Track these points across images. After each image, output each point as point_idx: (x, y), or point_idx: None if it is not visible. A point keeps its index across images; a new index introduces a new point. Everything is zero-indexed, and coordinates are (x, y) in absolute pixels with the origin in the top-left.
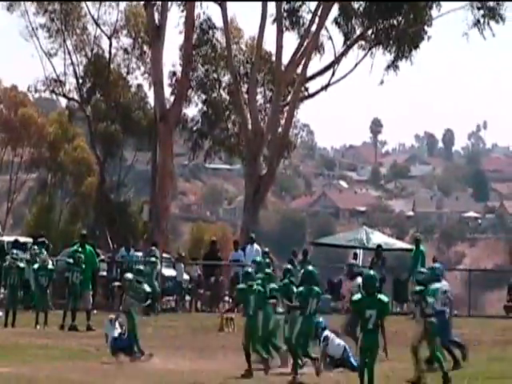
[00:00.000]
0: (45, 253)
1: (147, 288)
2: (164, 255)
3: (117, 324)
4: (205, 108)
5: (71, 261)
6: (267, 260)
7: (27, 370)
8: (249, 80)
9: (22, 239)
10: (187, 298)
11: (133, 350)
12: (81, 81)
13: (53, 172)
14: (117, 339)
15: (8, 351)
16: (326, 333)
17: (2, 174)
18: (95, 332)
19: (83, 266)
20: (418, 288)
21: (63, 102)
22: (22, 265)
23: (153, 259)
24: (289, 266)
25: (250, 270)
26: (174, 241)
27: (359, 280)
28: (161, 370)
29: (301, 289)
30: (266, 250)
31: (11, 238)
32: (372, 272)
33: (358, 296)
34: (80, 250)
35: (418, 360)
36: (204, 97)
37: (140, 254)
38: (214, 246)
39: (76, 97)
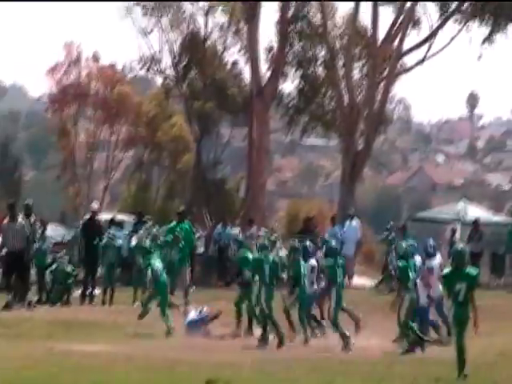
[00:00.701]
0: (141, 231)
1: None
2: (260, 232)
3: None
4: (301, 84)
5: (169, 238)
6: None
7: (126, 348)
8: (345, 55)
9: (119, 217)
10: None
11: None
12: (176, 58)
13: (149, 150)
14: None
15: (106, 329)
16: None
17: (99, 152)
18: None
19: (181, 244)
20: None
21: (159, 80)
22: (119, 243)
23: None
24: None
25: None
26: (271, 217)
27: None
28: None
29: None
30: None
31: (108, 216)
32: (461, 246)
33: (447, 270)
34: (177, 227)
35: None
36: (300, 72)
37: (237, 230)
38: (309, 222)
39: (172, 74)
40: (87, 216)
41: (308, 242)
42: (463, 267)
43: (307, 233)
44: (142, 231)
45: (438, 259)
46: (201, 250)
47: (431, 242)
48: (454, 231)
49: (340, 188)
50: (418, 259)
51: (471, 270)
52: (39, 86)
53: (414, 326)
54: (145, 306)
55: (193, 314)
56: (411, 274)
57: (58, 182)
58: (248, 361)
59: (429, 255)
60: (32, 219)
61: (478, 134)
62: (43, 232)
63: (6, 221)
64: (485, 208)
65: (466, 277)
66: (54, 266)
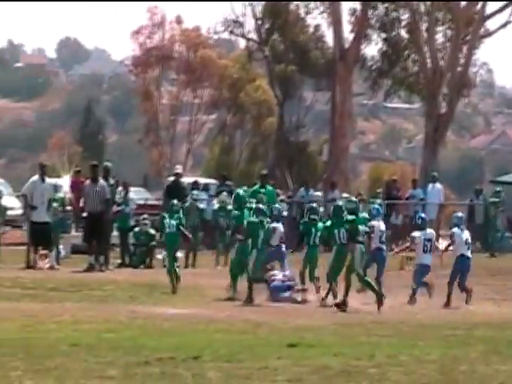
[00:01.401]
0: (224, 193)
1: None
2: (344, 195)
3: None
4: (384, 47)
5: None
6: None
7: (208, 311)
8: (428, 19)
9: (202, 180)
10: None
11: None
12: (259, 22)
13: (232, 113)
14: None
15: (188, 292)
16: None
17: (181, 115)
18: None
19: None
20: (349, 217)
21: (242, 42)
22: (202, 206)
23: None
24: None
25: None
26: (353, 180)
27: None
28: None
29: None
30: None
31: (191, 180)
32: None
33: None
34: (261, 190)
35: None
36: (384, 35)
37: (319, 193)
38: (392, 185)
39: (255, 38)
40: (171, 179)
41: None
42: None
43: (390, 196)
44: (224, 194)
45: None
46: (284, 213)
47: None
48: None
49: (423, 151)
50: None
51: None
52: (122, 49)
53: None
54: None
55: (278, 278)
56: None
57: (141, 146)
58: (329, 325)
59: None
60: (111, 181)
61: None
62: (126, 195)
63: (87, 182)
64: None
65: None
66: (136, 229)
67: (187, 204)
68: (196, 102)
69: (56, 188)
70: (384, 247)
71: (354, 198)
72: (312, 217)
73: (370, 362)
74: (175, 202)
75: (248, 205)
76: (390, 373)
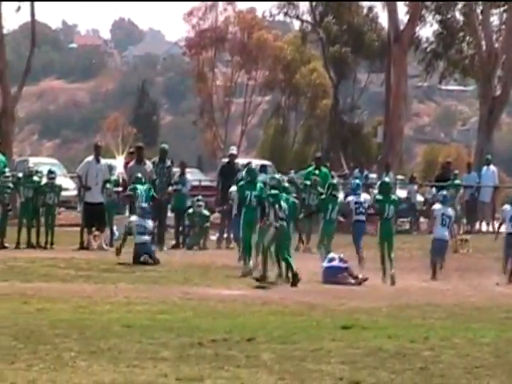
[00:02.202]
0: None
1: None
2: (398, 177)
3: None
4: (439, 29)
5: (308, 182)
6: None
7: (262, 293)
8: (483, 1)
9: (256, 161)
10: (421, 219)
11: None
12: (314, 3)
13: (287, 94)
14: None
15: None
16: None
17: (236, 97)
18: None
19: (319, 189)
20: (273, 192)
21: (296, 24)
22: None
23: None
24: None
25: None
26: (408, 162)
27: None
28: (395, 289)
29: None
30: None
31: (244, 161)
32: None
33: None
34: (315, 172)
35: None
36: (439, 17)
37: (374, 175)
38: (447, 167)
39: (309, 19)
40: (225, 160)
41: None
42: None
43: (445, 178)
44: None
45: None
46: (339, 194)
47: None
48: None
49: (477, 134)
50: None
51: None
52: (176, 31)
53: None
54: None
55: (334, 261)
56: None
57: (195, 127)
58: (384, 307)
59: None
60: (168, 163)
61: None
62: (183, 175)
63: (132, 163)
64: None
65: None
66: (190, 211)
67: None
68: (250, 83)
69: (111, 169)
70: (362, 218)
71: (276, 176)
72: (333, 193)
73: (424, 344)
74: None
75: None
76: (443, 355)
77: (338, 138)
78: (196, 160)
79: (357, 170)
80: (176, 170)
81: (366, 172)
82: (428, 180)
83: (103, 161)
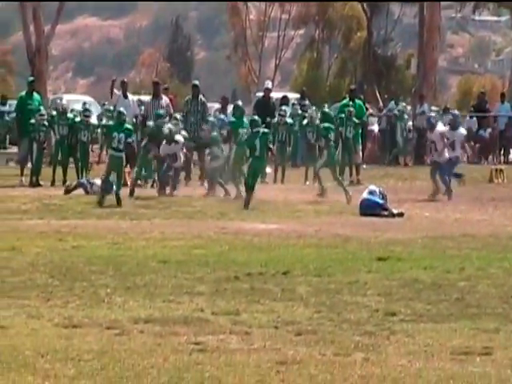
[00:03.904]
0: (312, 109)
1: None
2: (432, 108)
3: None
4: None
5: (342, 115)
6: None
7: (297, 226)
8: None
9: (291, 95)
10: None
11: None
12: None
13: (320, 28)
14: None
15: (277, 208)
16: None
17: (269, 31)
18: (364, 186)
19: (355, 120)
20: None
21: None
22: (289, 121)
23: None
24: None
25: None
26: (442, 93)
27: None
28: (430, 220)
29: None
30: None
31: (279, 95)
32: None
33: None
34: (350, 104)
35: None
36: None
37: (408, 107)
38: (482, 98)
39: None
40: (260, 94)
41: None
42: None
43: (480, 108)
44: (313, 108)
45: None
46: (374, 127)
47: None
48: None
49: (511, 64)
50: None
51: None
52: None
53: None
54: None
55: (374, 195)
56: None
57: (229, 62)
58: (419, 238)
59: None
60: (202, 99)
61: None
62: (223, 110)
63: (148, 99)
64: None
65: None
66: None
67: (275, 119)
68: (284, 17)
69: (141, 104)
70: None
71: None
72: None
73: (459, 275)
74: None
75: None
76: (479, 285)
77: (372, 70)
78: (230, 95)
79: (392, 102)
80: (214, 105)
81: (400, 104)
82: (465, 110)
83: (131, 96)
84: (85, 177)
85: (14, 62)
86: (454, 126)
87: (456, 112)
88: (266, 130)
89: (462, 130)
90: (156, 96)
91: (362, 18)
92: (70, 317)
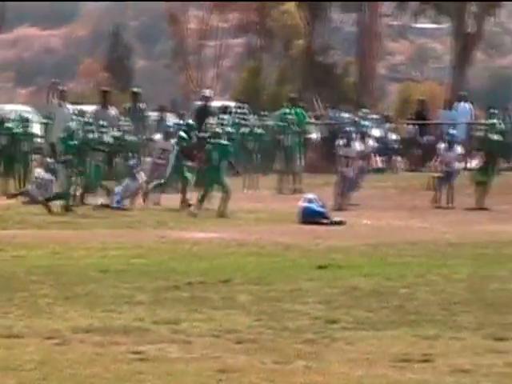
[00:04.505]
0: (252, 117)
1: None
2: (372, 116)
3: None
4: None
5: (282, 123)
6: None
7: (237, 234)
8: None
9: (231, 104)
10: (396, 158)
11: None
12: None
13: (261, 36)
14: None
15: (214, 216)
16: None
17: (209, 39)
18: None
19: (294, 129)
20: None
21: None
22: (228, 129)
23: None
24: None
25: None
26: (382, 101)
27: None
28: (370, 227)
29: None
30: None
31: (219, 103)
32: None
33: None
34: (290, 112)
35: None
36: None
37: (347, 114)
38: (422, 105)
39: None
40: (199, 102)
41: None
42: None
43: (420, 115)
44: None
45: None
46: (313, 135)
47: None
48: None
49: (451, 71)
50: None
51: None
52: None
53: None
54: None
55: (312, 203)
56: None
57: (169, 70)
58: (359, 246)
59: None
60: (141, 106)
61: None
62: (162, 119)
63: (97, 107)
64: None
65: None
66: None
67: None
68: (224, 25)
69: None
70: None
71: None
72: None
73: (399, 282)
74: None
75: None
76: (419, 293)
77: (312, 78)
78: (170, 104)
79: (331, 110)
80: (153, 114)
81: (340, 112)
82: (405, 118)
83: (70, 106)
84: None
85: None
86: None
87: (366, 123)
88: (225, 143)
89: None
90: (105, 105)
91: (302, 26)
92: (10, 327)
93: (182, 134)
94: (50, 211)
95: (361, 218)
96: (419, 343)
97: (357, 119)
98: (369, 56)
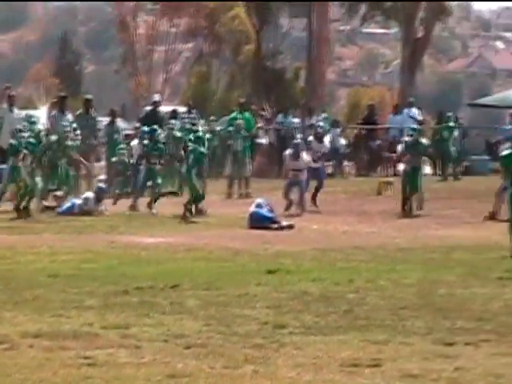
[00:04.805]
0: (200, 122)
1: None
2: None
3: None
4: None
5: (231, 128)
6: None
7: (186, 239)
8: None
9: (180, 109)
10: (345, 163)
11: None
12: None
13: (209, 42)
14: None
15: (165, 221)
16: None
17: (158, 44)
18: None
19: (243, 133)
20: None
21: None
22: (178, 134)
23: None
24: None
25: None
26: (331, 106)
27: None
28: (319, 232)
29: None
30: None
31: (169, 108)
32: None
33: (507, 152)
34: (239, 117)
35: None
36: None
37: (297, 119)
38: (371, 110)
39: None
40: (148, 107)
41: None
42: None
43: (370, 120)
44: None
45: None
46: (262, 140)
47: None
48: None
49: (400, 75)
50: None
51: None
52: None
53: None
54: None
55: (261, 208)
56: None
57: (118, 76)
58: (308, 250)
59: None
60: (93, 113)
61: None
62: (113, 123)
63: (54, 113)
64: None
65: None
66: (114, 159)
67: (165, 133)
68: (173, 31)
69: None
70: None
71: None
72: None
73: (348, 287)
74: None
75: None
76: (368, 297)
77: (261, 83)
78: (119, 109)
79: (280, 115)
80: (103, 119)
81: (289, 117)
82: (355, 123)
83: (17, 111)
84: None
85: None
86: (320, 139)
87: (321, 124)
88: (202, 150)
89: (327, 143)
90: (62, 111)
91: (251, 31)
92: None
93: (145, 141)
94: None
95: (310, 222)
96: (368, 348)
97: (314, 122)
98: (318, 61)
